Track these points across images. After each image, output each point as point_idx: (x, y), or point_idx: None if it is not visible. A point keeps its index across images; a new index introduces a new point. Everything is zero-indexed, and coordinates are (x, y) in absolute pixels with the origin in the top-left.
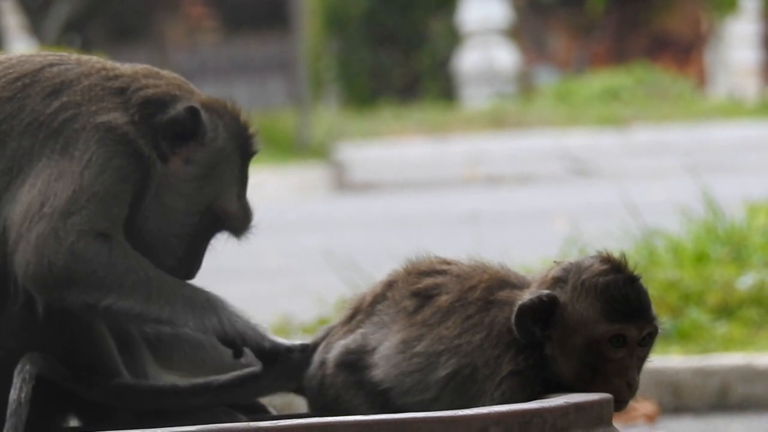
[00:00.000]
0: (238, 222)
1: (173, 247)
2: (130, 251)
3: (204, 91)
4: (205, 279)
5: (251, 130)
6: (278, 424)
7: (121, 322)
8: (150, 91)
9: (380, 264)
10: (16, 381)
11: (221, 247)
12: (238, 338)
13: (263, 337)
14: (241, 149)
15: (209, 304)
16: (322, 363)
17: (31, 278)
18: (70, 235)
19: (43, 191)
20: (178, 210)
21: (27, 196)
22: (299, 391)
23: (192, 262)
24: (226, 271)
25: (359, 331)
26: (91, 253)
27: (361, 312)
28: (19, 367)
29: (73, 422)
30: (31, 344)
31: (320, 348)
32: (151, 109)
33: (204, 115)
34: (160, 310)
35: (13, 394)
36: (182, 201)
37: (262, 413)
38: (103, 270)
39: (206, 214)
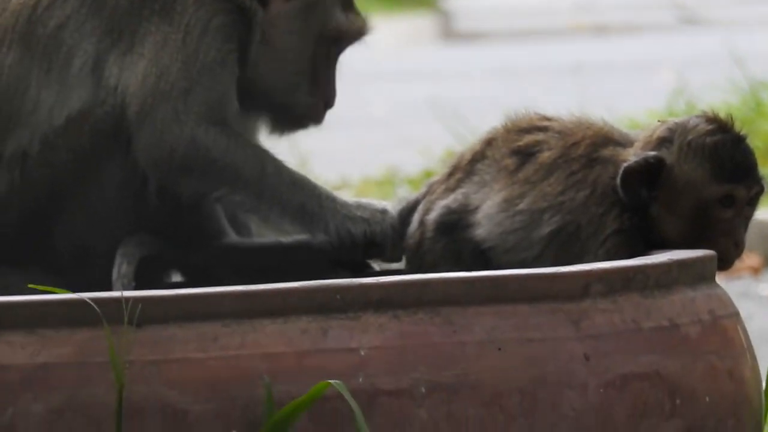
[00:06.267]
0: (355, 35)
1: (298, 84)
2: (248, 142)
3: None
4: (312, 129)
5: None
6: (380, 280)
7: (228, 210)
8: None
9: (485, 115)
10: (120, 261)
11: None
12: (345, 249)
13: (373, 231)
14: None
15: (320, 211)
16: (421, 223)
17: (153, 162)
18: (191, 118)
19: (154, 61)
20: (292, 48)
21: (139, 66)
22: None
23: (326, 91)
24: (333, 120)
25: (460, 190)
26: (210, 141)
27: (459, 170)
28: (121, 249)
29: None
30: (135, 209)
31: (420, 207)
32: None
33: None
34: (268, 210)
35: (114, 274)
36: (293, 38)
37: (365, 269)
38: (222, 160)
39: (320, 41)
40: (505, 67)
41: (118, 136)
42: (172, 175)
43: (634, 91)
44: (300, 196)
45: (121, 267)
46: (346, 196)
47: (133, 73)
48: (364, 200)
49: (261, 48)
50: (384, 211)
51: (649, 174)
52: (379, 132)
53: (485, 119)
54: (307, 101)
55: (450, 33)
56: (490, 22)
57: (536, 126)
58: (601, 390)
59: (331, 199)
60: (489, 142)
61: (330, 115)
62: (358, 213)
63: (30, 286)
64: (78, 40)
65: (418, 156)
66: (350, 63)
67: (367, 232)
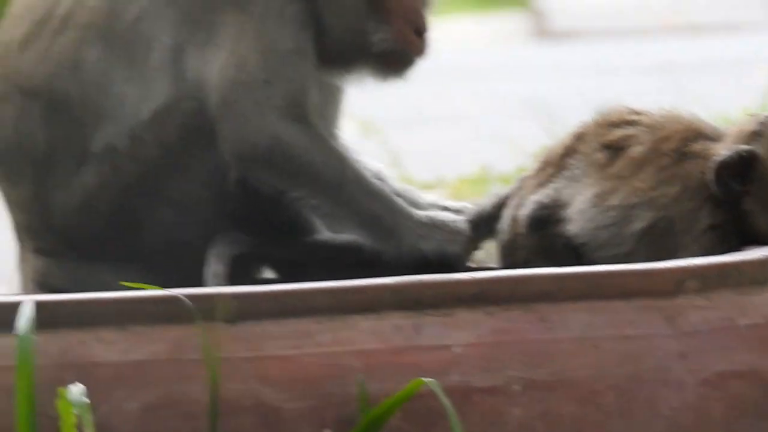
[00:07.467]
0: None
1: (363, 24)
2: (330, 144)
3: None
4: (404, 126)
5: None
6: (473, 276)
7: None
8: None
9: (578, 112)
10: (213, 261)
11: (420, 94)
12: (419, 262)
13: (445, 252)
14: None
15: (395, 227)
16: (514, 219)
17: (237, 155)
18: (272, 112)
19: (231, 51)
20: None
21: (217, 57)
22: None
23: (405, 16)
24: (425, 117)
25: (551, 185)
26: (292, 139)
27: (550, 165)
28: (213, 249)
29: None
30: (224, 203)
31: (511, 202)
32: None
33: None
34: (344, 218)
35: (208, 274)
36: None
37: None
38: (302, 160)
39: None
40: (598, 66)
41: (204, 130)
42: (255, 170)
43: (728, 90)
44: (377, 208)
45: (216, 267)
46: (431, 197)
47: (212, 65)
48: (440, 217)
49: (327, 10)
50: (458, 232)
51: (742, 168)
52: (471, 129)
53: (577, 116)
54: (384, 35)
55: (543, 32)
56: (583, 21)
57: (626, 120)
58: (698, 388)
59: (407, 216)
60: (580, 137)
61: (421, 113)
62: (432, 233)
63: (121, 283)
64: (156, 33)
65: (511, 153)
66: (443, 62)
67: (439, 254)
